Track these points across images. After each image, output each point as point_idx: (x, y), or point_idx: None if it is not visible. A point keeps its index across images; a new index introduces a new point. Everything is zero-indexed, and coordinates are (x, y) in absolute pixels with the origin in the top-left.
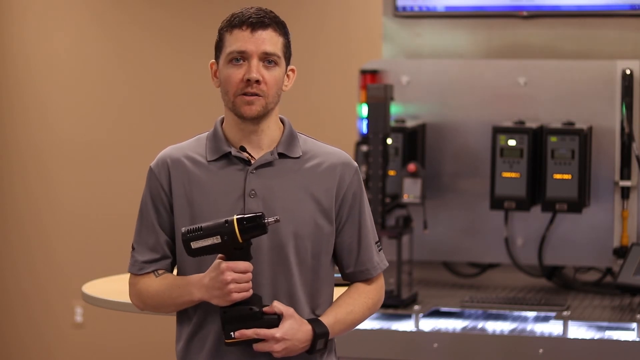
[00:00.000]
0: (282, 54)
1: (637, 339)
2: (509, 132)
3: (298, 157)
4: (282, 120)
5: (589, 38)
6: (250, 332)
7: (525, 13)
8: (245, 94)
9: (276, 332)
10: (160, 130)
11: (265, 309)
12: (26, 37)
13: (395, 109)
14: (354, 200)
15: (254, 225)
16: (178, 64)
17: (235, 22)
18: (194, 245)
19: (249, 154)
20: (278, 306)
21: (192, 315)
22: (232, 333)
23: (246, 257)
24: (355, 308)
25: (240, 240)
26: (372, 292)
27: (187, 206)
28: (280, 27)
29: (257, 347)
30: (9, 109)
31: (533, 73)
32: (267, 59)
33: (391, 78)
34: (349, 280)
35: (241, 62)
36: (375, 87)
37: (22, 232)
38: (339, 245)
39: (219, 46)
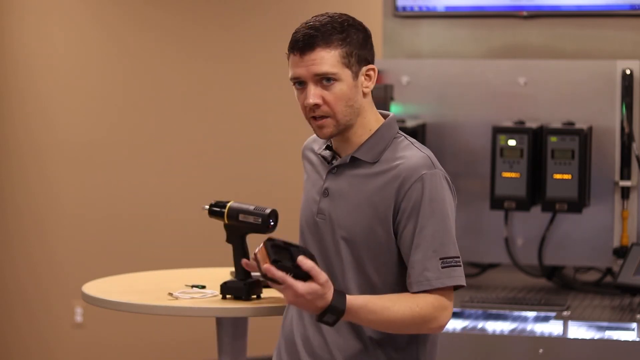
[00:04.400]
0: (340, 66)
1: (637, 339)
2: (509, 132)
3: (373, 162)
4: (384, 117)
5: (589, 38)
6: (279, 275)
7: (525, 13)
8: (314, 118)
9: (300, 287)
10: (160, 130)
11: (299, 260)
12: (26, 37)
13: (395, 109)
14: (413, 209)
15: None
16: (178, 64)
17: (291, 44)
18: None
19: (335, 154)
20: (313, 268)
21: None
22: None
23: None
24: (395, 307)
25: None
26: (424, 303)
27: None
28: (333, 38)
29: (272, 285)
30: (9, 109)
31: (533, 73)
32: (322, 79)
33: (391, 78)
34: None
35: (302, 86)
36: (375, 87)
37: (22, 232)
38: (401, 253)
39: None
